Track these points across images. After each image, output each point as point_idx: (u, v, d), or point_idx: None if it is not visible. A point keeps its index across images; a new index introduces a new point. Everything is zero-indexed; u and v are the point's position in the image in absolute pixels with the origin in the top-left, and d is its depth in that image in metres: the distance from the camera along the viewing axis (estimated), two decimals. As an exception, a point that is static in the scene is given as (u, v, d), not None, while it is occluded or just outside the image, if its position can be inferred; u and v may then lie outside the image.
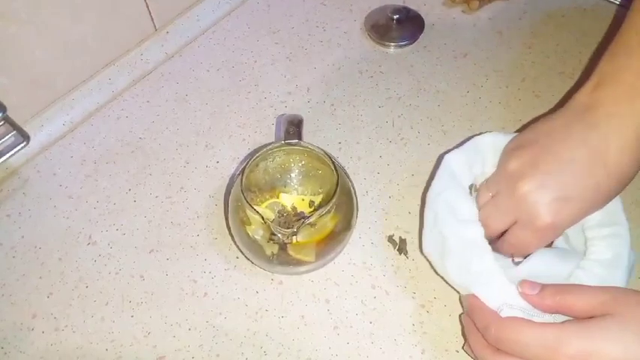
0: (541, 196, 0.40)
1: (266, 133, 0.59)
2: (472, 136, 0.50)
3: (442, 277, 0.47)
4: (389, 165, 0.56)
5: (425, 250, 0.47)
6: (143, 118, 0.60)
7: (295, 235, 0.41)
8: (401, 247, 0.50)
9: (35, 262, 0.50)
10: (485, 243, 0.42)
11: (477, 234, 0.42)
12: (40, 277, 0.49)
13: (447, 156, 0.48)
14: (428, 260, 0.48)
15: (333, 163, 0.45)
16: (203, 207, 0.54)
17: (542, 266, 0.43)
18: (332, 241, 0.46)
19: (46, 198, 0.54)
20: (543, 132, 0.43)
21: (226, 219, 0.51)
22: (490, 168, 0.47)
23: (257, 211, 0.41)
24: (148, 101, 0.62)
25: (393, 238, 0.51)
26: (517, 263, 0.44)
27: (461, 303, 0.46)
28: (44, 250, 0.51)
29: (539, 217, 0.40)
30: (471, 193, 0.46)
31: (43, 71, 0.55)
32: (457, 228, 0.43)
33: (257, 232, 0.45)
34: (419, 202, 0.54)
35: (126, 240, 0.51)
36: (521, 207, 0.41)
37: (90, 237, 0.52)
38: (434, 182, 0.47)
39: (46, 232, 0.52)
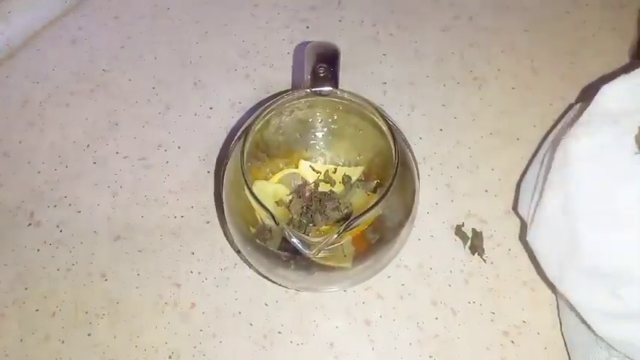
0: None
1: (279, 65, 0.42)
2: None
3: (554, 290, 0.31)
4: (456, 118, 0.39)
5: (530, 239, 0.31)
6: (109, 41, 0.43)
7: (333, 245, 0.25)
8: (475, 243, 0.35)
9: (-45, 251, 0.36)
10: None
11: None
12: (-38, 273, 0.35)
13: (604, 87, 0.29)
14: (532, 252, 0.32)
15: (390, 130, 0.28)
16: (190, 174, 0.38)
17: None
18: (381, 239, 0.30)
19: (-26, 155, 0.39)
20: None
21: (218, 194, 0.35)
22: None
23: (267, 209, 0.25)
24: (115, 17, 0.45)
25: (463, 229, 0.35)
26: None
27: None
28: (-32, 232, 0.36)
29: None
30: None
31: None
32: (609, 224, 0.26)
33: (263, 229, 0.30)
34: (500, 177, 0.37)
35: (82, 221, 0.37)
36: None
37: (32, 215, 0.37)
38: (574, 131, 0.29)
39: (-28, 206, 0.37)
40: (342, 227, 0.25)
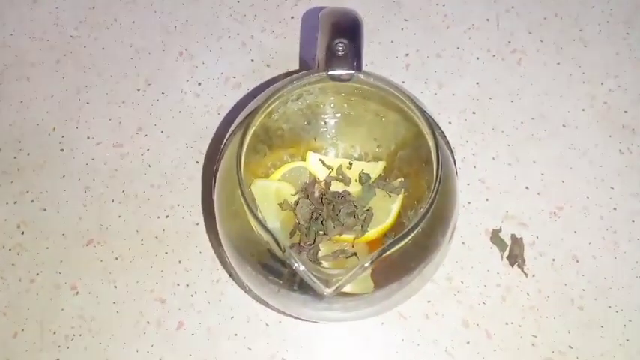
0: None
1: (281, 31, 0.36)
2: None
3: None
4: (491, 100, 0.33)
5: None
6: (77, 1, 0.36)
7: (354, 277, 0.20)
8: (514, 252, 0.30)
9: None
10: None
11: None
12: None
13: None
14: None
15: (433, 132, 0.22)
16: (176, 165, 0.32)
17: None
18: (410, 255, 0.25)
19: None
20: None
21: (208, 189, 0.29)
22: None
23: (269, 231, 0.20)
24: (85, -30, 0.38)
25: (500, 235, 0.30)
26: None
27: None
28: None
29: None
30: None
31: None
32: None
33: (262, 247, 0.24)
34: (543, 171, 0.32)
35: (47, 221, 0.31)
36: None
37: (-12, 213, 0.31)
38: None
39: None
40: (375, 255, 0.19)
